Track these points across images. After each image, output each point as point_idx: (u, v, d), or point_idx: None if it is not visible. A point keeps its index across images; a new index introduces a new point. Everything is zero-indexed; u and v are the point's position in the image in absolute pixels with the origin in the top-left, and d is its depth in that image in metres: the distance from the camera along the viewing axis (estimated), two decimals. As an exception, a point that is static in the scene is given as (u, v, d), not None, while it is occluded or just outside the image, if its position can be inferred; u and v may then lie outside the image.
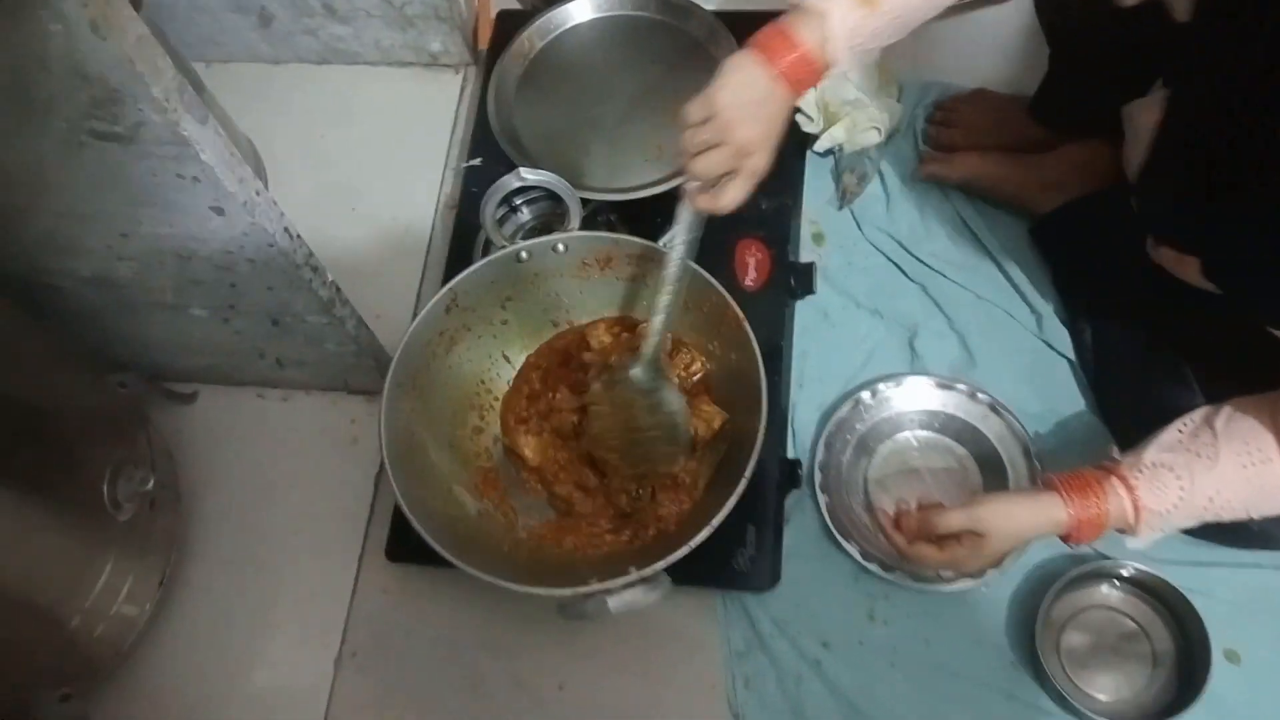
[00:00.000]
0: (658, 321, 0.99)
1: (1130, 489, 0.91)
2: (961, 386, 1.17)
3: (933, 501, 1.00)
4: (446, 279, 1.23)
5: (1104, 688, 1.05)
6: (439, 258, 1.33)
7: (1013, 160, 1.24)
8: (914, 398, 1.18)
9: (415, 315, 1.27)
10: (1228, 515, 0.92)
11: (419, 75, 1.46)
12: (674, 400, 1.03)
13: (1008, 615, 1.09)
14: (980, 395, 1.16)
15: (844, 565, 1.12)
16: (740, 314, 1.01)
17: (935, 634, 1.09)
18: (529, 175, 1.07)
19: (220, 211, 0.92)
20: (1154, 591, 1.06)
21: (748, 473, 0.93)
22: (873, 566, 1.09)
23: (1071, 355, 1.19)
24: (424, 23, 1.38)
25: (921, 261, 1.26)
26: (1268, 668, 1.04)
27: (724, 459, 1.04)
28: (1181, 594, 1.03)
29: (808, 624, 1.10)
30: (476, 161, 1.32)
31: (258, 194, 0.93)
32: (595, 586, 0.89)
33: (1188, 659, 1.04)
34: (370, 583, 1.18)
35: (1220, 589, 1.06)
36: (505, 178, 1.08)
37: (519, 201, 1.22)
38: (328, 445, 1.26)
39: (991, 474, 1.14)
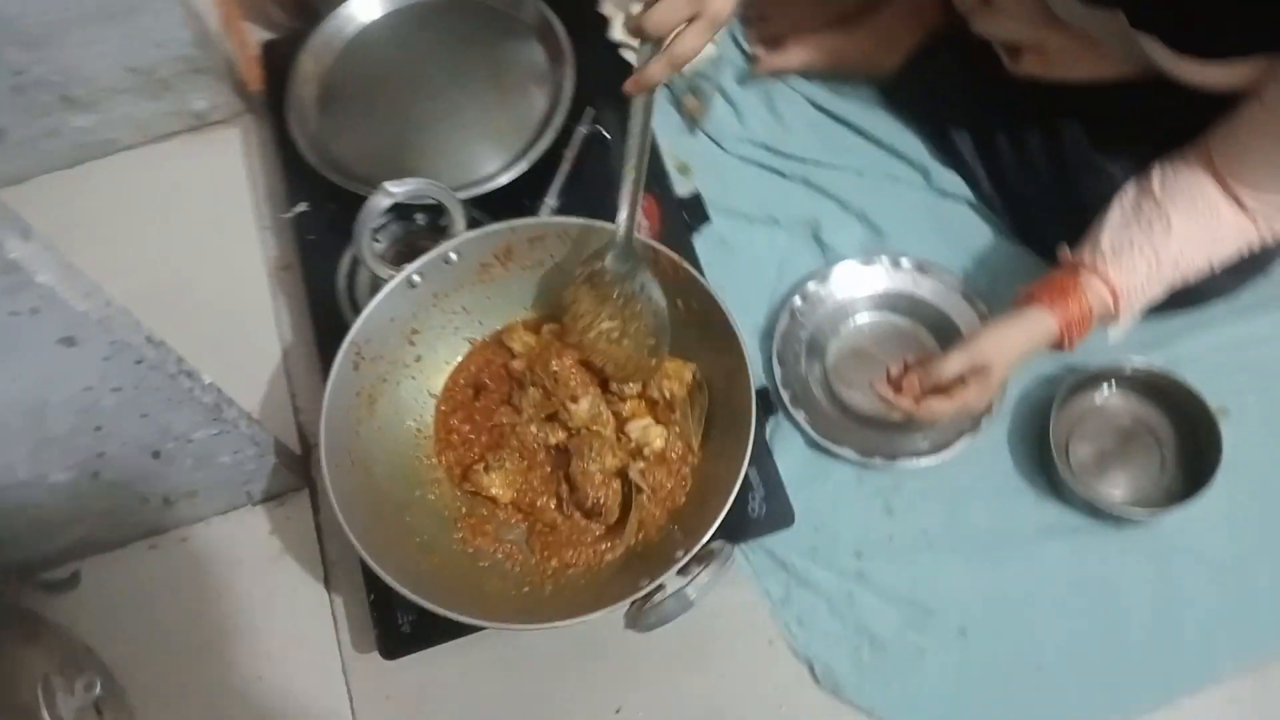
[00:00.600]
0: (624, 205, 0.91)
1: (1103, 276, 0.92)
2: (883, 259, 1.14)
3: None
4: (321, 342, 1.11)
5: (1124, 486, 1.06)
6: (293, 324, 1.19)
7: (843, 32, 1.21)
8: (843, 286, 1.14)
9: (293, 394, 1.16)
10: (1194, 273, 0.94)
11: (191, 143, 1.29)
12: (650, 283, 0.94)
13: (1012, 456, 1.08)
14: (903, 261, 1.14)
15: (844, 471, 1.08)
16: (674, 255, 0.93)
17: (956, 501, 1.06)
18: (396, 188, 0.95)
19: (72, 341, 0.76)
20: (1135, 381, 1.08)
21: (753, 412, 0.87)
22: (875, 460, 1.06)
23: (969, 194, 1.19)
24: (180, 82, 1.21)
25: (793, 157, 1.22)
26: (1257, 413, 1.07)
27: (710, 412, 0.97)
28: (1161, 372, 1.05)
29: (834, 542, 1.05)
30: (302, 207, 1.18)
31: (108, 304, 0.78)
32: (655, 583, 0.81)
33: (1190, 432, 1.05)
34: (368, 695, 1.03)
35: (1188, 354, 1.09)
36: (371, 200, 0.95)
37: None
38: (253, 571, 1.09)
39: (940, 331, 1.13)
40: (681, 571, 0.82)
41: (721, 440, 0.93)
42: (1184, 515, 1.00)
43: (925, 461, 1.06)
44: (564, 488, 0.97)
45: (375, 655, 1.01)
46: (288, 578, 1.08)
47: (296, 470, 1.10)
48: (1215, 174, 0.92)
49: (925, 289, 1.13)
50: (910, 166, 1.21)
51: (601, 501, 0.94)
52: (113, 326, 0.77)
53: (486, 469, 0.97)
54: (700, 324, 0.94)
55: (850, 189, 1.20)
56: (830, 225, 1.18)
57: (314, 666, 1.04)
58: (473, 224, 1.10)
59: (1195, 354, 1.09)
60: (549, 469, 0.98)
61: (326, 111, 1.18)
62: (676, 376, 0.97)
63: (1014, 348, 0.93)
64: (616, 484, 0.96)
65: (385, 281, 0.95)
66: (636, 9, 0.81)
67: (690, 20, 0.81)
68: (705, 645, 1.02)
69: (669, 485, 0.95)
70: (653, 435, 0.96)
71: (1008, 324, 0.93)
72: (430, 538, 0.93)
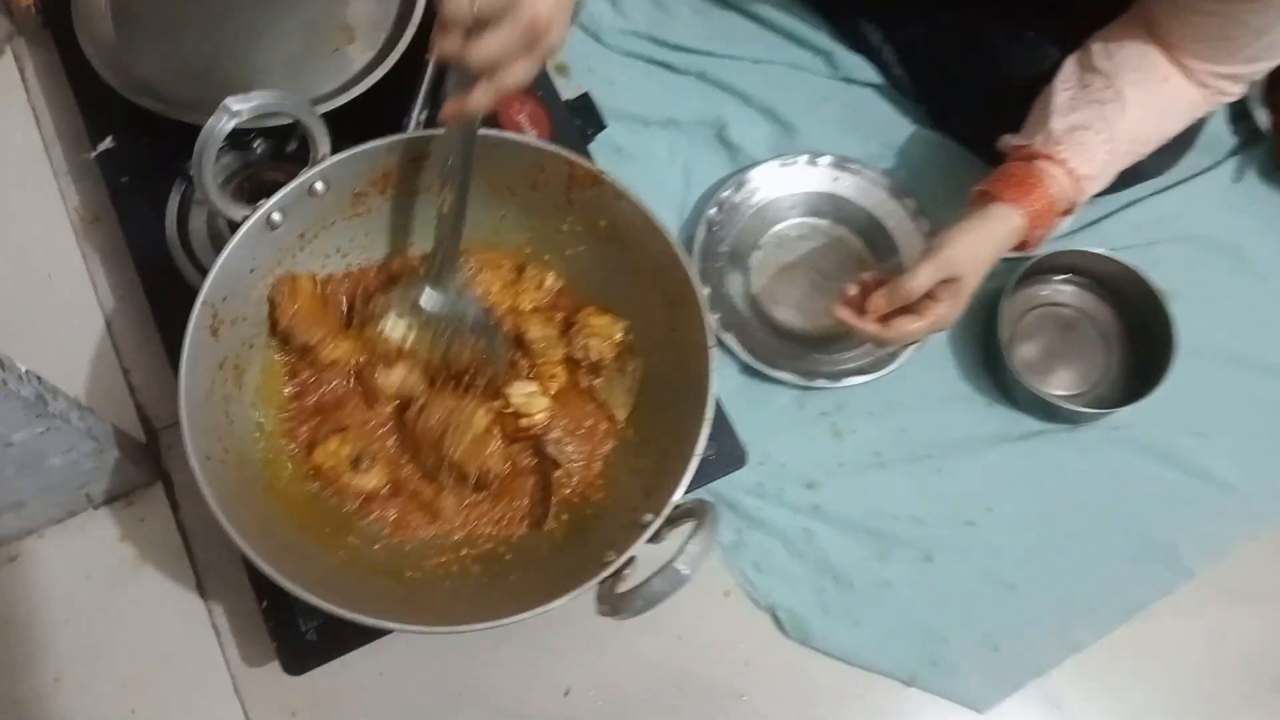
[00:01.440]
0: (438, 245, 0.78)
1: (1061, 163, 0.85)
2: (800, 160, 1.03)
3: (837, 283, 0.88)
4: (155, 305, 0.93)
5: (1072, 383, 1.00)
6: (114, 287, 0.98)
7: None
8: (761, 192, 1.03)
9: (126, 371, 0.96)
10: (1148, 149, 0.89)
11: (-49, 77, 1.04)
12: (476, 310, 0.80)
13: (958, 364, 1.01)
14: (820, 160, 1.03)
15: (784, 396, 0.98)
16: (593, 167, 0.79)
17: (905, 417, 0.98)
18: (240, 105, 0.75)
19: None
20: (1074, 270, 1.02)
21: (709, 352, 0.74)
22: (820, 382, 0.96)
23: (878, 79, 1.08)
24: (-75, 0, 0.96)
25: (682, 49, 1.09)
26: (1200, 292, 1.02)
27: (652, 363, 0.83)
28: (1105, 257, 0.99)
29: (782, 475, 0.95)
30: (108, 144, 0.97)
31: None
32: (624, 557, 0.69)
33: (1136, 319, 1.00)
34: (269, 715, 0.87)
35: (1120, 236, 1.04)
36: (212, 123, 0.74)
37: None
38: (107, 586, 0.90)
39: (867, 233, 1.03)
40: (653, 538, 0.70)
41: (674, 380, 0.80)
42: (1138, 407, 0.95)
43: (867, 378, 0.97)
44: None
45: (272, 667, 0.86)
46: (151, 589, 0.91)
47: (143, 463, 0.92)
48: (1161, 43, 0.85)
49: (847, 188, 1.03)
50: (811, 52, 1.10)
51: (488, 470, 0.79)
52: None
53: (358, 465, 0.79)
54: (629, 259, 0.80)
55: (750, 81, 1.08)
56: (735, 124, 1.06)
57: (199, 689, 0.88)
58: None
59: (1127, 235, 1.03)
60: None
61: (125, 23, 0.96)
62: (604, 334, 0.82)
63: (983, 252, 0.84)
64: (496, 441, 0.81)
65: (237, 225, 0.77)
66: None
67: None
68: (656, 607, 0.91)
69: (581, 460, 0.82)
70: (535, 405, 0.82)
71: (972, 226, 0.84)
72: (336, 528, 0.77)
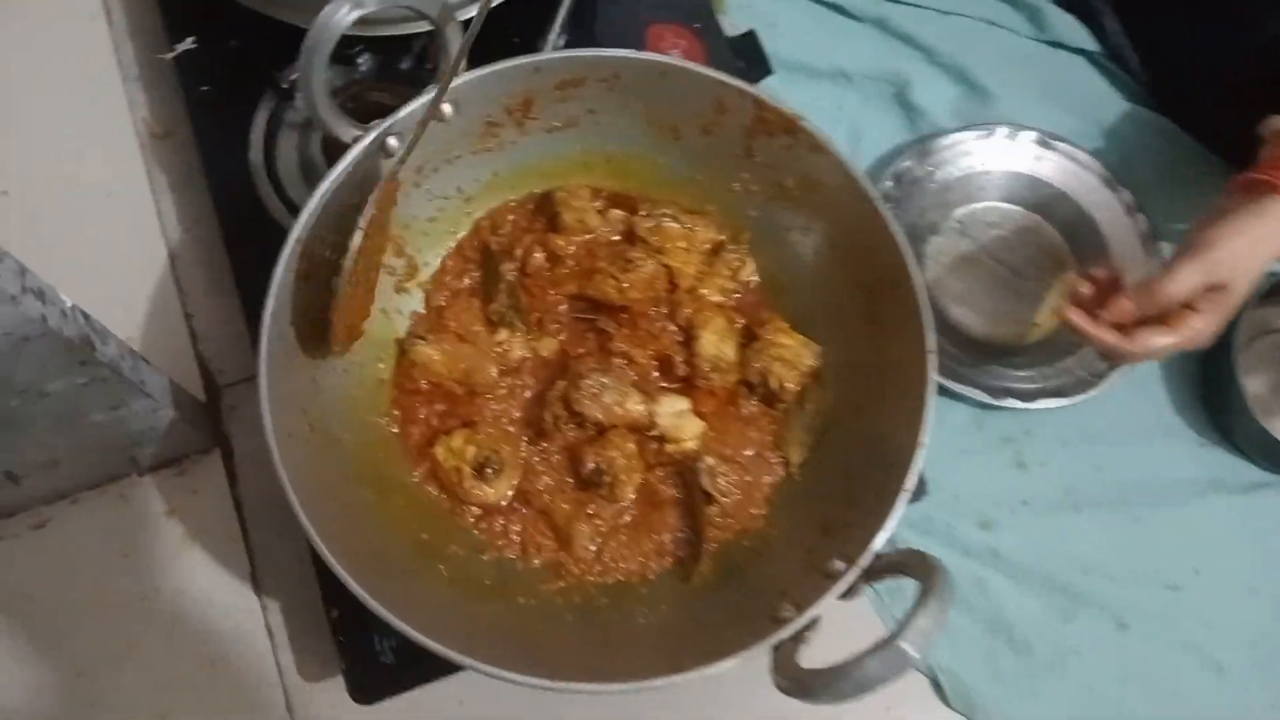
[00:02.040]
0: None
1: None
2: (1001, 131, 0.87)
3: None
4: (230, 239, 0.79)
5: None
6: (181, 215, 0.84)
7: None
8: (947, 166, 0.87)
9: (189, 316, 0.82)
10: None
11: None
12: None
13: (1170, 392, 0.84)
14: (1022, 134, 0.87)
15: (958, 414, 0.82)
16: (787, 110, 0.63)
17: (1102, 452, 0.82)
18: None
19: None
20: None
21: (929, 396, 0.58)
22: (1009, 402, 0.80)
23: (1093, 46, 0.92)
24: None
25: (862, -9, 0.93)
26: None
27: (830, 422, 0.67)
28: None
29: (953, 509, 0.79)
30: (188, 44, 0.82)
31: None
32: (807, 616, 0.53)
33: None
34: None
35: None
36: (327, 15, 0.58)
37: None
38: (146, 567, 0.76)
39: (1073, 226, 0.87)
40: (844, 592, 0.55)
41: (870, 388, 0.64)
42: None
43: (1062, 402, 0.80)
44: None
45: (335, 683, 0.72)
46: (197, 575, 0.76)
47: (201, 425, 0.78)
48: None
49: (1051, 170, 0.87)
50: (1014, 8, 0.94)
51: (604, 471, 0.64)
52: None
53: (482, 472, 0.64)
54: (823, 222, 0.65)
55: (938, 35, 0.92)
56: (919, 83, 0.90)
57: (246, 701, 0.74)
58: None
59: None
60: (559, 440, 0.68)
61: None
62: (792, 361, 0.66)
63: (1260, 256, 0.68)
64: (631, 445, 0.66)
65: (343, 148, 0.62)
66: None
67: None
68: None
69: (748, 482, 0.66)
70: (687, 430, 0.66)
71: (1246, 224, 0.68)
72: (437, 534, 0.63)
